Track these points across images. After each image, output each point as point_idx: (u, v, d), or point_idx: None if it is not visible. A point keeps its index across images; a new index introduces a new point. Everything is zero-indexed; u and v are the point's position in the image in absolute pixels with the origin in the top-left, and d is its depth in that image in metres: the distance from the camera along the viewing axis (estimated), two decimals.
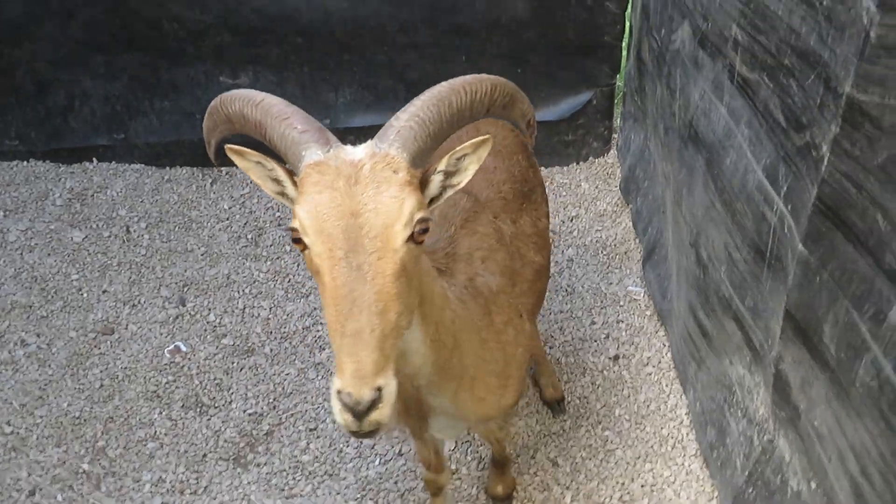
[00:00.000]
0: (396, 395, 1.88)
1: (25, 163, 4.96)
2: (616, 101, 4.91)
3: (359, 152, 1.49)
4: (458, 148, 1.52)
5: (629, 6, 4.43)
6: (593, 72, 4.62)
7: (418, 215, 1.45)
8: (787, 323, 2.18)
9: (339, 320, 1.39)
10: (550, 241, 2.86)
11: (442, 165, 1.54)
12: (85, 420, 3.39)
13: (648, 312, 3.81)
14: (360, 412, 1.37)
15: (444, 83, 1.56)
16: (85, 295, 4.05)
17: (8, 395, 3.49)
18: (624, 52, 4.70)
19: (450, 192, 1.58)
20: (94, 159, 4.95)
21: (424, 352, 1.77)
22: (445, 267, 2.07)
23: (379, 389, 1.38)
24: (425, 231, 1.48)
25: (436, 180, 1.56)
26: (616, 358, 3.58)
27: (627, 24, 4.57)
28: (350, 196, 1.42)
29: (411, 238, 1.45)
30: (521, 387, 2.33)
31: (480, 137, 1.52)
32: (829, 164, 1.87)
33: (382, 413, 1.39)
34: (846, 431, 1.92)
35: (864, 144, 1.73)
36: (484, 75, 1.62)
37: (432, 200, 1.58)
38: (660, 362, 3.54)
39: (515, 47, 4.50)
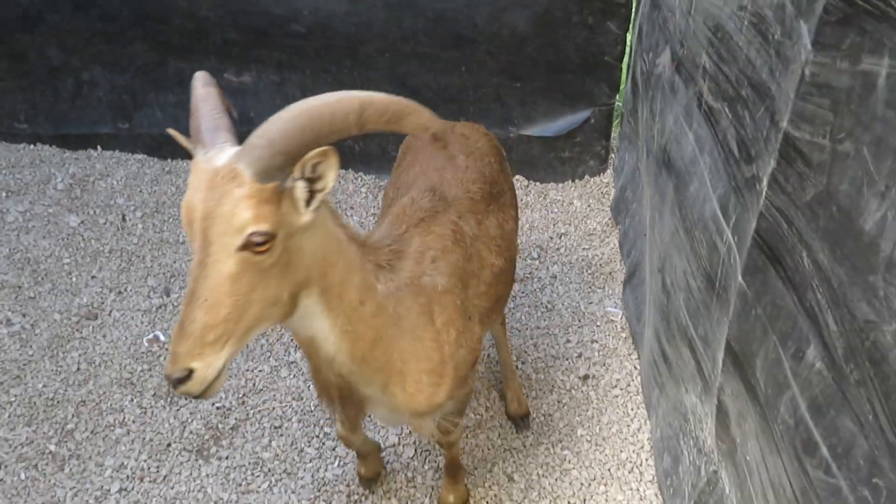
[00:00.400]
0: (322, 378, 2.07)
1: (32, 146, 5.09)
2: (615, 121, 4.90)
3: (220, 160, 1.57)
4: (306, 156, 1.56)
5: (630, 27, 4.43)
6: (592, 91, 4.61)
7: (251, 229, 1.53)
8: (727, 354, 2.17)
9: (183, 303, 1.57)
10: (517, 245, 2.89)
11: (297, 173, 1.59)
12: (58, 402, 3.45)
13: (624, 335, 3.80)
14: (171, 382, 1.58)
15: (304, 101, 1.56)
16: (74, 279, 4.13)
17: None
18: (624, 73, 4.69)
19: (320, 196, 1.63)
20: (99, 147, 5.06)
21: (335, 340, 1.90)
22: (387, 263, 2.11)
23: (190, 370, 1.56)
24: (262, 244, 1.56)
25: (300, 186, 1.61)
26: (585, 378, 3.57)
27: (628, 44, 4.56)
28: (204, 200, 1.53)
29: (247, 248, 1.55)
30: (462, 388, 2.37)
31: (321, 148, 1.56)
32: (766, 197, 1.87)
33: (189, 388, 1.59)
34: (769, 467, 1.90)
35: (796, 181, 1.72)
36: (354, 93, 1.59)
37: (309, 202, 1.64)
38: (628, 385, 3.52)
39: (515, 62, 4.52)
